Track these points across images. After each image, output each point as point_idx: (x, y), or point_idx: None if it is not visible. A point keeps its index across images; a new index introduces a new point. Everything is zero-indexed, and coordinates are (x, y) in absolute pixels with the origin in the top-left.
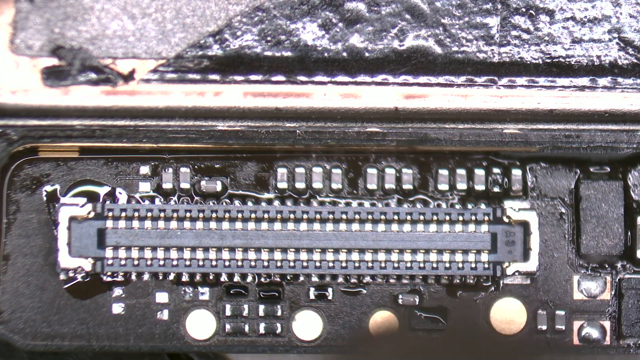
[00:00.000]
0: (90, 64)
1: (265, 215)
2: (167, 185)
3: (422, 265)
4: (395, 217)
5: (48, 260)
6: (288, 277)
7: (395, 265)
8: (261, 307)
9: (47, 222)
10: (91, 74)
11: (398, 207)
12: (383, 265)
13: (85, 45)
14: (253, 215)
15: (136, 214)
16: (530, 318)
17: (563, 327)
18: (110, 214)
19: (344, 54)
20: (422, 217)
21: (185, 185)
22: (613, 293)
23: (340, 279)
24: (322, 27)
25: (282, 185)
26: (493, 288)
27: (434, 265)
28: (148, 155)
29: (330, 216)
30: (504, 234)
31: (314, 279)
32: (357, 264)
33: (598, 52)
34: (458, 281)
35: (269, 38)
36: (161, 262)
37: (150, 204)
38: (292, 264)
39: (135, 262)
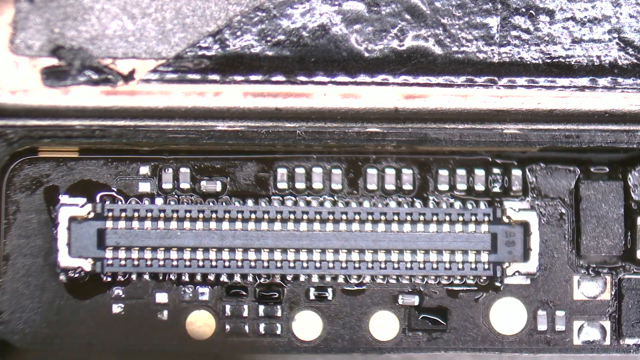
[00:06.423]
0: (90, 64)
1: (265, 216)
2: (167, 186)
3: (422, 265)
4: (395, 218)
5: (48, 260)
6: (288, 278)
7: (395, 265)
8: (261, 308)
9: (47, 222)
10: (91, 74)
11: (398, 208)
12: (383, 265)
13: (85, 45)
14: (253, 216)
15: (136, 214)
16: (530, 318)
17: (563, 327)
18: (110, 214)
19: (344, 54)
20: (422, 218)
21: (185, 185)
22: (613, 293)
23: (340, 279)
24: (322, 27)
25: (282, 185)
26: (493, 288)
27: (434, 265)
28: (148, 156)
29: (330, 216)
30: (504, 234)
31: (314, 279)
32: (357, 264)
33: (598, 52)
34: (458, 281)
35: (269, 38)
36: (161, 263)
37: (150, 204)
38: (292, 264)
39: (135, 263)
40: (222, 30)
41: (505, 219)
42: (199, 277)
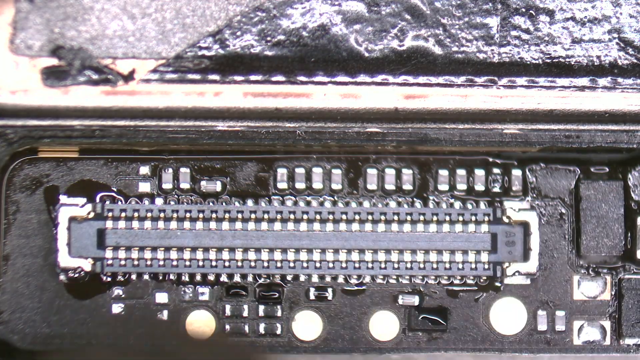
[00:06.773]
0: (90, 64)
1: (265, 216)
2: (167, 186)
3: (422, 265)
4: (395, 218)
5: (48, 260)
6: (288, 278)
7: (395, 265)
8: (261, 308)
9: (47, 222)
10: (91, 74)
11: (398, 208)
12: (383, 265)
13: (85, 45)
14: (253, 216)
15: (136, 214)
16: (530, 318)
17: (563, 327)
18: (110, 214)
19: (344, 54)
20: (422, 218)
21: (185, 185)
22: (613, 293)
23: (340, 279)
24: (322, 27)
25: (282, 185)
26: (493, 288)
27: (434, 265)
28: (148, 156)
29: (330, 216)
30: (504, 234)
31: (314, 279)
32: (357, 264)
33: (598, 52)
34: (458, 281)
35: (269, 38)
36: (161, 263)
37: (150, 204)
38: (292, 264)
39: (135, 263)
40: (222, 30)
41: (505, 219)
42: (199, 277)
